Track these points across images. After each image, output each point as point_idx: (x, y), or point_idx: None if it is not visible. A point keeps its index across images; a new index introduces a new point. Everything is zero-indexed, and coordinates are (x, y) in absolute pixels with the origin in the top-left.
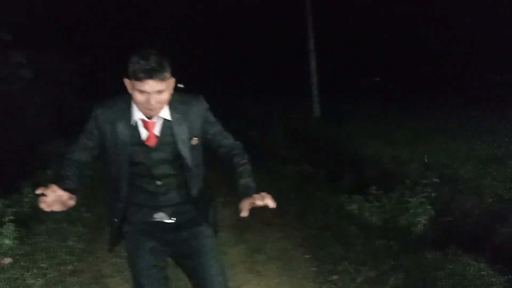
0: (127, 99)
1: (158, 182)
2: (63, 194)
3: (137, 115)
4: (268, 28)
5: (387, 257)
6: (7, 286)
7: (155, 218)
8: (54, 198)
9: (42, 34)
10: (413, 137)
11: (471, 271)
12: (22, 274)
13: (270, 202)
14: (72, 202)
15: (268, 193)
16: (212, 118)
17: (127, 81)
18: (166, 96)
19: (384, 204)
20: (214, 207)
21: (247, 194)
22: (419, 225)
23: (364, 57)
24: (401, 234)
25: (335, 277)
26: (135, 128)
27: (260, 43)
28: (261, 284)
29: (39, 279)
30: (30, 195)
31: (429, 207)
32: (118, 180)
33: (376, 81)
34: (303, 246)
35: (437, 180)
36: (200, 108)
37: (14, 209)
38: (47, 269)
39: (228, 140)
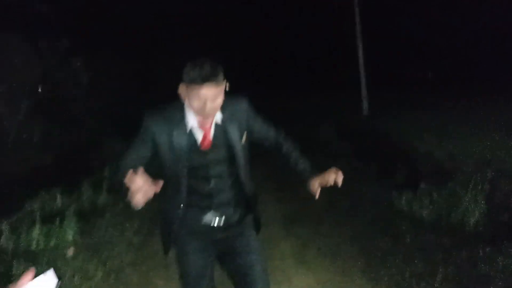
0: (180, 106)
1: (213, 183)
2: (148, 179)
3: (191, 122)
4: (316, 23)
5: (437, 252)
6: (71, 276)
7: (206, 219)
8: (143, 183)
9: (98, 40)
10: (470, 132)
11: None
12: (85, 265)
13: (339, 178)
14: (157, 189)
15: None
16: (255, 114)
17: (182, 89)
18: (220, 101)
19: (435, 199)
20: (259, 205)
21: (312, 175)
22: (472, 221)
23: (417, 51)
24: (452, 229)
25: (383, 271)
26: (190, 134)
27: (307, 39)
28: (310, 277)
29: (100, 269)
30: (90, 192)
31: (482, 202)
32: (177, 185)
33: (429, 75)
34: (352, 240)
35: (491, 175)
36: (244, 108)
37: (75, 204)
38: (107, 260)
39: (272, 132)
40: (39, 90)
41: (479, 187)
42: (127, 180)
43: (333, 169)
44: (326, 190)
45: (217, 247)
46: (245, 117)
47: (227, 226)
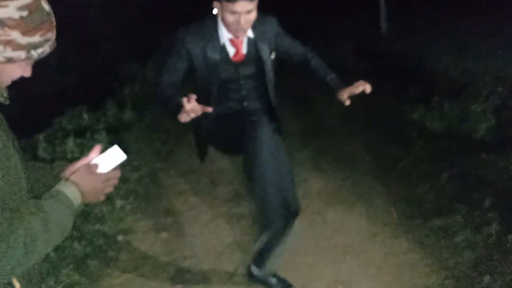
0: (213, 22)
1: (244, 92)
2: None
3: (225, 36)
4: None
5: (444, 157)
6: None
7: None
8: (193, 106)
9: None
10: (489, 48)
11: None
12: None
13: (368, 87)
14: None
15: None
16: (283, 32)
17: (216, 4)
18: (254, 15)
19: (446, 111)
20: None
21: (341, 85)
22: (479, 131)
23: None
24: (460, 139)
25: (392, 173)
26: (223, 48)
27: None
28: (324, 180)
29: (134, 173)
30: (114, 110)
31: (491, 115)
32: (208, 97)
33: None
34: (365, 149)
35: (503, 90)
36: (273, 26)
37: (102, 121)
38: (139, 166)
39: (300, 48)
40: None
41: (489, 101)
42: (185, 104)
43: (361, 81)
44: (343, 106)
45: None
46: (274, 35)
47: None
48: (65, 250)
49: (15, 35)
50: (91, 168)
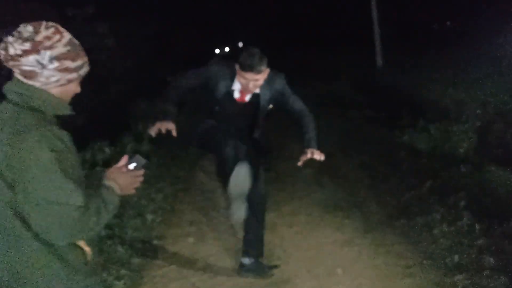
0: (234, 69)
1: (233, 124)
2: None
3: (237, 86)
4: None
5: (427, 172)
6: (137, 199)
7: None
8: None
9: (119, 6)
10: (477, 79)
11: (497, 179)
12: (145, 192)
13: (317, 157)
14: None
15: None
16: (289, 90)
17: (236, 66)
18: (261, 82)
19: (432, 133)
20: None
21: (308, 146)
22: (461, 150)
23: (435, 1)
24: (444, 156)
25: (383, 185)
26: (231, 92)
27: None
28: (324, 193)
29: (159, 193)
30: (132, 144)
31: (472, 136)
32: (210, 112)
33: (448, 25)
34: (359, 169)
35: (484, 113)
36: (280, 85)
37: (122, 154)
38: (163, 188)
39: (298, 105)
40: None
41: (470, 124)
42: (158, 122)
43: (315, 151)
44: (339, 133)
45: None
46: (279, 92)
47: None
48: (110, 252)
49: (68, 63)
50: (121, 169)
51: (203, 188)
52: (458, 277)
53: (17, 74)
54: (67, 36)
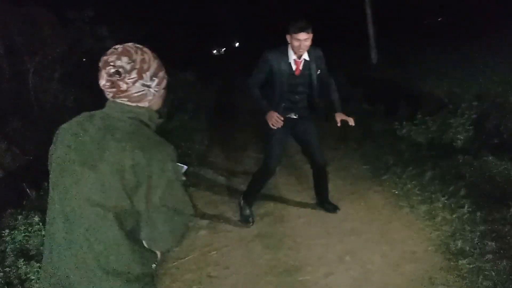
0: (286, 47)
1: (297, 96)
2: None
3: (292, 57)
4: None
5: (427, 162)
6: None
7: (289, 115)
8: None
9: (118, 7)
10: (470, 72)
11: (495, 167)
12: None
13: (351, 122)
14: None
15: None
16: (324, 60)
17: (288, 36)
18: (309, 42)
19: (430, 126)
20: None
21: (339, 109)
22: (459, 141)
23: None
24: (442, 147)
25: (385, 176)
26: (290, 64)
27: None
28: (329, 185)
29: None
30: None
31: (470, 127)
32: (279, 93)
33: (439, 21)
34: (361, 160)
35: (480, 105)
36: (319, 54)
37: None
38: None
39: (328, 75)
40: (69, 59)
41: (467, 115)
42: (269, 115)
43: (351, 119)
44: (339, 128)
45: (294, 129)
46: (320, 59)
47: (299, 118)
48: None
49: (161, 74)
50: None
51: (211, 183)
52: (462, 261)
53: (121, 101)
54: (148, 53)
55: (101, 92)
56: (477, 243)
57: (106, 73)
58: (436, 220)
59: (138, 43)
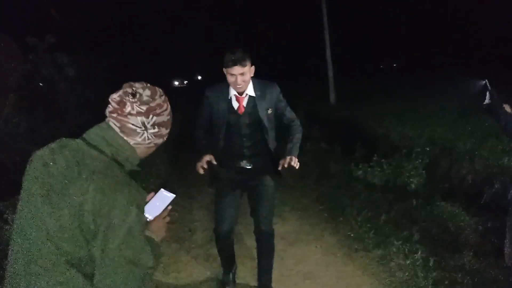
0: (226, 82)
1: (244, 139)
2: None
3: (232, 92)
4: (283, 19)
5: (382, 204)
6: None
7: (239, 164)
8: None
9: (78, 37)
10: (423, 117)
11: (447, 213)
12: None
13: (293, 164)
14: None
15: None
16: (282, 97)
17: (224, 70)
18: (248, 77)
19: (385, 169)
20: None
21: (289, 153)
22: (412, 185)
23: (381, 43)
24: (397, 190)
25: (341, 218)
26: (229, 101)
27: (277, 33)
28: (285, 225)
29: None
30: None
31: (423, 172)
32: (218, 138)
33: (393, 66)
34: (318, 201)
35: (432, 151)
36: (274, 90)
37: None
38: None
39: (290, 114)
40: (25, 85)
41: (420, 160)
42: (200, 161)
43: (293, 158)
44: (299, 165)
45: (246, 185)
46: (274, 97)
47: (253, 171)
48: None
49: (163, 130)
50: (158, 219)
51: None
52: None
53: (114, 125)
54: (169, 106)
55: (55, 119)
56: None
57: (124, 90)
58: (390, 265)
59: (100, 73)
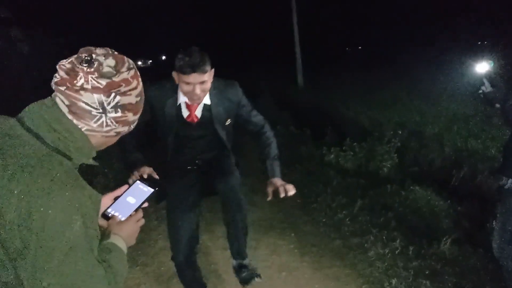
0: (174, 83)
1: (197, 149)
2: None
3: (182, 99)
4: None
5: (356, 190)
6: None
7: (191, 167)
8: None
9: (36, 12)
10: (393, 100)
11: (421, 197)
12: None
13: (291, 192)
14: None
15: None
16: (245, 101)
17: (174, 74)
18: (208, 85)
19: (356, 153)
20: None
21: (273, 175)
22: (385, 169)
23: (348, 27)
24: (369, 175)
25: (315, 205)
26: (179, 108)
27: (245, 18)
28: (258, 212)
29: None
30: None
31: (394, 155)
32: (165, 147)
33: (359, 49)
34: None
35: (403, 134)
36: (234, 94)
37: None
38: None
39: (258, 119)
40: None
41: (392, 144)
42: (136, 171)
43: (287, 186)
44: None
45: (203, 188)
46: (234, 103)
47: (207, 164)
48: None
49: (129, 115)
50: (131, 220)
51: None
52: None
53: (61, 102)
54: (140, 84)
55: (8, 99)
56: (411, 282)
57: (77, 57)
58: (369, 255)
59: (57, 50)
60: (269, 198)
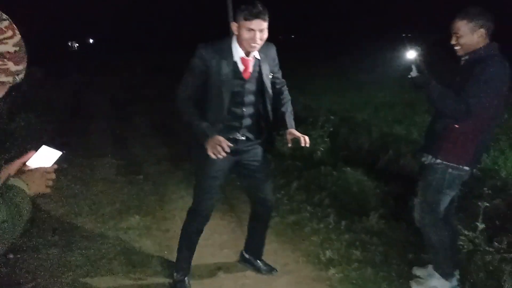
0: (228, 41)
1: (244, 109)
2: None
3: (238, 54)
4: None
5: (292, 172)
6: None
7: (234, 136)
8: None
9: None
10: (324, 89)
11: (351, 178)
12: None
13: (305, 142)
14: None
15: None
16: (277, 60)
17: (234, 24)
18: (265, 35)
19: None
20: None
21: (292, 127)
22: (318, 152)
23: (281, 16)
24: (305, 158)
25: None
26: (235, 65)
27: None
28: None
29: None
30: None
31: (327, 139)
32: (219, 106)
33: (292, 38)
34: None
35: (332, 117)
36: (273, 52)
37: None
38: None
39: (281, 77)
40: None
41: (325, 129)
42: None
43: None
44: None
45: (239, 156)
46: (272, 59)
47: (247, 141)
48: None
49: (10, 64)
50: (39, 171)
51: (64, 193)
52: (332, 271)
53: None
54: (18, 35)
55: None
56: (344, 252)
57: None
58: (305, 230)
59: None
60: (290, 145)
